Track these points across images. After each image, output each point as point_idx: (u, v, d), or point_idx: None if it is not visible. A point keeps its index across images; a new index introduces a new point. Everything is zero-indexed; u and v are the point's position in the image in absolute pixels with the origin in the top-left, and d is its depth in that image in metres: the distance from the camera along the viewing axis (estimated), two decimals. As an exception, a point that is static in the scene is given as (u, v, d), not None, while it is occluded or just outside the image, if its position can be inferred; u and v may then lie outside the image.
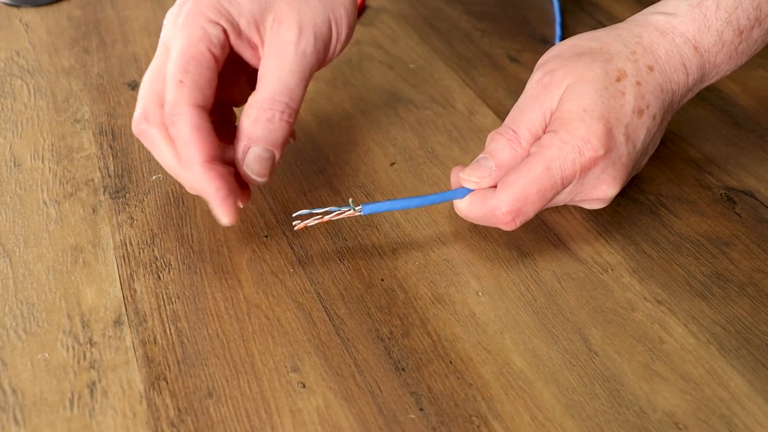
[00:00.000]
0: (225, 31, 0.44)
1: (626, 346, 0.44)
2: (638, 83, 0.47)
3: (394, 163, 0.56)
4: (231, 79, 0.49)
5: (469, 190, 0.48)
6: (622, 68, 0.47)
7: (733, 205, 0.54)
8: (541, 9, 0.78)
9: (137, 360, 0.43)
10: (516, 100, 0.60)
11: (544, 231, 0.51)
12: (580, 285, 0.48)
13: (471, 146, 0.58)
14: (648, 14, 0.50)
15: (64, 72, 0.66)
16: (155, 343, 0.43)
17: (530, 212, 0.46)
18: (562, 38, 0.71)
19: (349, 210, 0.47)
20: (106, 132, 0.59)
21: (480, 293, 0.47)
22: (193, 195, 0.53)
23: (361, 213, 0.47)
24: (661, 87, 0.47)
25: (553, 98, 0.47)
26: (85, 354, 0.43)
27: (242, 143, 0.45)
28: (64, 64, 0.67)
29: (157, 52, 0.46)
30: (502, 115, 0.61)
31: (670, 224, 0.52)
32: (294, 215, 0.48)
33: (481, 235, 0.51)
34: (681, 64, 0.48)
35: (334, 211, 0.47)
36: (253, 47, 0.46)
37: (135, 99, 0.62)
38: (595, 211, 0.52)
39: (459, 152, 0.58)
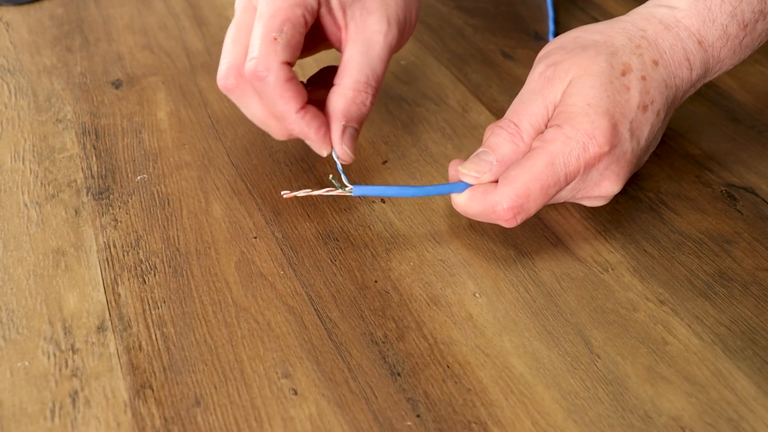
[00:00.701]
0: (319, 1, 0.46)
1: (629, 347, 0.43)
2: (643, 78, 0.45)
3: (386, 161, 0.55)
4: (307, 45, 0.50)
5: (468, 185, 0.46)
6: (627, 62, 0.45)
7: (734, 202, 0.52)
8: (534, 5, 0.76)
9: (121, 367, 0.41)
10: (510, 97, 0.59)
11: (542, 230, 0.50)
12: (580, 285, 0.46)
13: (465, 143, 0.57)
14: (651, 7, 0.48)
15: (45, 71, 0.64)
16: (140, 350, 0.42)
17: (532, 209, 0.44)
18: (556, 34, 0.70)
19: (340, 189, 0.46)
20: (89, 132, 0.57)
21: (477, 294, 0.45)
22: (179, 196, 0.51)
23: (352, 194, 0.46)
24: (665, 82, 0.46)
25: (557, 91, 0.46)
26: (67, 361, 0.41)
27: (339, 122, 0.47)
28: (45, 63, 0.65)
29: (240, 9, 0.48)
30: (495, 111, 0.60)
31: (671, 222, 0.51)
32: (283, 192, 0.47)
33: (477, 233, 0.49)
34: (685, 58, 0.46)
35: (323, 190, 0.47)
36: (337, 27, 0.48)
37: (118, 98, 0.60)
38: (594, 208, 0.51)
39: (453, 150, 0.56)
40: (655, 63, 0.46)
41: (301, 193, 0.46)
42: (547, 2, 0.76)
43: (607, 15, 0.74)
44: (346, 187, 0.46)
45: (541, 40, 0.70)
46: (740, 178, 0.54)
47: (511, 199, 0.44)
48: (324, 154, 0.48)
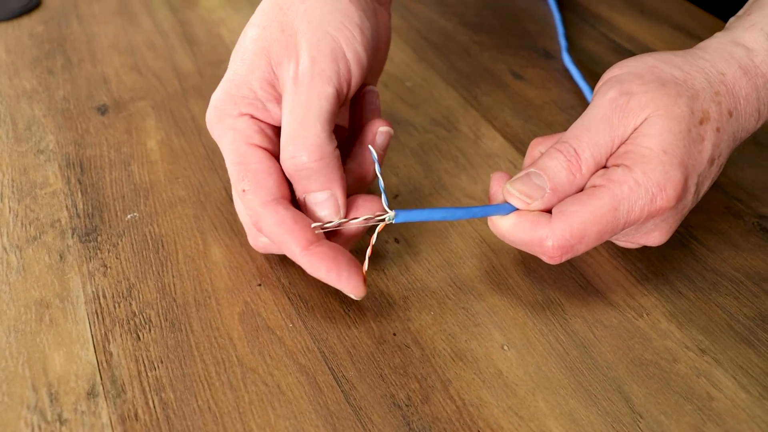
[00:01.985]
0: (251, 116, 0.42)
1: (672, 404, 0.39)
2: (718, 130, 0.42)
3: (397, 196, 0.51)
4: None
5: (513, 207, 0.42)
6: (707, 110, 0.42)
7: (767, 236, 0.49)
8: (542, 20, 0.73)
9: (115, 439, 0.37)
10: (524, 122, 0.55)
11: (570, 271, 0.46)
12: (615, 333, 0.42)
13: (480, 174, 0.53)
14: (728, 44, 0.44)
15: (25, 95, 0.60)
16: (136, 419, 0.37)
17: (581, 251, 0.41)
18: (568, 51, 0.66)
19: (380, 217, 0.40)
20: (73, 164, 0.53)
21: (505, 347, 0.41)
22: (174, 237, 0.47)
23: (393, 221, 0.40)
24: (734, 135, 0.43)
25: (628, 126, 0.41)
26: (53, 433, 0.37)
27: (300, 197, 0.43)
28: (25, 86, 0.61)
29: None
30: (510, 138, 0.56)
31: (704, 259, 0.47)
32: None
33: (500, 276, 0.45)
34: (756, 110, 0.43)
35: (361, 219, 0.41)
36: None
37: (105, 125, 0.56)
38: (623, 247, 0.47)
39: (468, 181, 0.52)
40: (730, 114, 0.42)
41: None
42: (555, 18, 0.72)
43: (616, 30, 0.71)
44: (387, 213, 0.40)
45: (551, 58, 0.67)
46: (771, 208, 0.51)
47: (564, 238, 0.40)
48: (354, 297, 0.41)
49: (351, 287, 0.40)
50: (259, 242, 0.44)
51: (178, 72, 0.63)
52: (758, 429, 0.38)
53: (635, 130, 0.41)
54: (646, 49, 0.68)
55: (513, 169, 0.53)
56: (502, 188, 0.43)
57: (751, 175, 0.54)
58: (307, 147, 0.40)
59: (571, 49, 0.68)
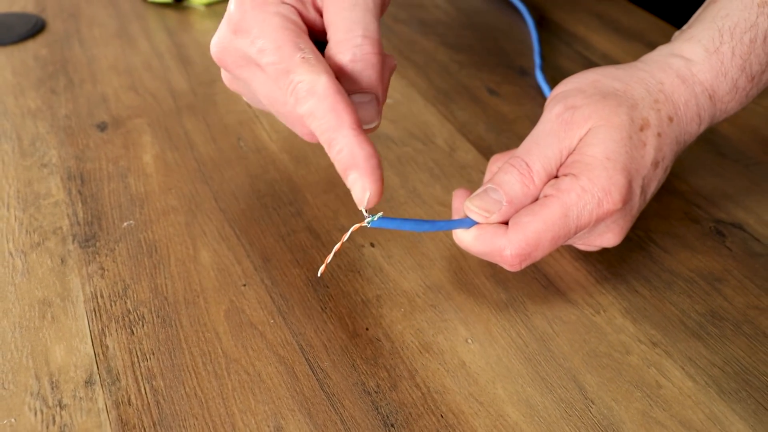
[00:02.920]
0: (294, 8, 0.40)
1: (623, 392, 0.42)
2: (659, 135, 0.45)
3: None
4: None
5: (474, 221, 0.45)
6: (646, 117, 0.45)
7: (723, 239, 0.53)
8: (518, 39, 0.77)
9: (110, 423, 0.40)
10: (497, 135, 0.59)
11: (533, 272, 0.49)
12: (573, 328, 0.46)
13: (453, 183, 0.56)
14: (667, 56, 0.48)
15: (30, 114, 0.64)
16: (129, 404, 0.41)
17: (538, 257, 0.44)
18: (542, 68, 0.70)
19: (355, 226, 0.42)
20: (74, 177, 0.56)
21: (469, 340, 0.45)
22: (166, 242, 0.51)
23: (369, 224, 0.41)
24: (676, 139, 0.46)
25: (573, 137, 0.45)
26: (54, 418, 0.40)
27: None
28: (30, 105, 0.65)
29: (248, 81, 0.42)
30: (483, 150, 0.60)
31: (661, 261, 0.51)
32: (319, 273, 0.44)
33: (467, 277, 0.49)
34: (697, 114, 0.47)
35: (342, 236, 0.42)
36: (320, 12, 0.41)
37: (104, 141, 0.60)
38: (584, 251, 0.51)
39: (441, 190, 0.56)
40: (671, 119, 0.46)
41: (329, 259, 0.42)
42: (532, 37, 0.76)
43: (591, 48, 0.75)
44: (366, 219, 0.41)
45: (526, 75, 0.70)
46: (728, 214, 0.54)
47: (520, 247, 0.43)
48: (364, 198, 0.38)
49: (373, 185, 0.38)
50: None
51: (173, 91, 0.67)
52: (702, 414, 0.41)
53: (581, 140, 0.45)
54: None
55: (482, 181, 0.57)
56: (463, 205, 0.46)
57: (711, 183, 0.58)
58: (368, 35, 0.39)
59: (547, 67, 0.71)
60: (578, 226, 0.44)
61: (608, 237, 0.46)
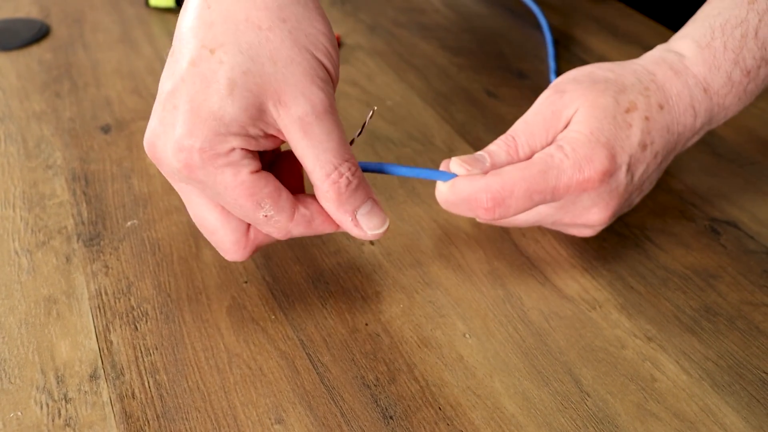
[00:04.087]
0: (245, 150, 0.39)
1: (618, 385, 0.43)
2: (647, 118, 0.46)
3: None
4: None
5: (455, 175, 0.46)
6: (633, 101, 0.46)
7: (717, 237, 0.53)
8: (517, 43, 0.77)
9: (115, 416, 0.41)
10: (495, 135, 0.59)
11: (529, 268, 0.50)
12: (569, 323, 0.47)
13: (452, 183, 0.57)
14: (662, 51, 0.50)
15: (35, 117, 0.65)
16: (133, 398, 0.42)
17: (511, 209, 0.45)
18: (556, 72, 0.71)
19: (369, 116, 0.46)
20: (78, 178, 0.57)
21: (467, 335, 0.46)
22: (170, 241, 0.51)
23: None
24: (668, 128, 0.47)
25: (560, 119, 0.47)
26: (59, 411, 0.41)
27: (347, 219, 0.42)
28: (35, 108, 0.66)
29: (186, 199, 0.43)
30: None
31: (656, 258, 0.51)
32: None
33: (465, 274, 0.50)
34: (690, 106, 0.47)
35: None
36: (273, 138, 0.41)
37: (108, 143, 0.61)
38: (580, 246, 0.52)
39: (440, 190, 0.57)
40: (661, 107, 0.47)
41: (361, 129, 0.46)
42: (547, 41, 0.77)
43: (588, 52, 0.75)
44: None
45: (524, 78, 0.71)
46: (723, 212, 0.55)
47: (495, 191, 0.44)
48: (383, 227, 0.43)
49: (379, 220, 0.42)
50: (245, 256, 0.44)
51: (176, 94, 0.68)
52: (695, 406, 0.42)
53: (568, 121, 0.46)
54: (613, 68, 0.73)
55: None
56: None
57: (707, 182, 0.59)
58: (350, 167, 0.41)
59: (545, 69, 0.72)
60: (556, 186, 0.45)
61: (594, 212, 0.47)
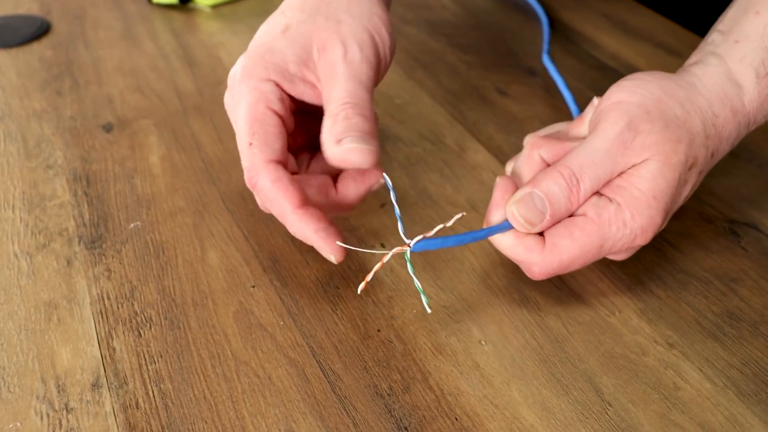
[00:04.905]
0: (277, 84, 0.46)
1: (640, 394, 0.41)
2: (700, 173, 0.46)
3: (384, 205, 0.54)
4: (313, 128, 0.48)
5: (511, 225, 0.44)
6: (696, 156, 0.45)
7: (737, 239, 0.52)
8: (527, 40, 0.76)
9: (118, 427, 0.39)
10: (507, 135, 0.58)
11: (546, 272, 0.49)
12: (588, 329, 0.45)
13: (464, 184, 0.56)
14: (724, 81, 0.47)
15: (35, 115, 0.63)
16: (137, 408, 0.40)
17: (562, 274, 0.46)
18: (549, 53, 0.69)
19: (395, 249, 0.42)
20: (80, 178, 0.56)
21: (483, 342, 0.44)
22: (174, 243, 0.50)
23: (411, 251, 0.42)
24: (709, 168, 0.47)
25: (629, 162, 0.44)
26: (60, 422, 0.39)
27: (330, 143, 0.43)
28: (35, 107, 0.64)
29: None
30: (493, 150, 0.59)
31: (675, 261, 0.50)
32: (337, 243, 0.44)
33: (479, 278, 0.48)
34: (730, 145, 0.48)
35: (383, 254, 0.43)
36: (312, 86, 0.47)
37: (110, 142, 0.59)
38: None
39: (452, 190, 0.55)
40: (712, 155, 0.46)
41: (369, 276, 0.43)
42: (542, 20, 0.75)
43: (599, 49, 0.74)
44: (405, 244, 0.42)
45: (535, 76, 0.70)
46: (742, 214, 0.54)
47: (551, 268, 0.44)
48: (332, 259, 0.44)
49: (330, 248, 0.44)
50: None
51: (179, 92, 0.67)
52: (721, 416, 0.41)
53: (634, 166, 0.44)
54: (627, 66, 0.71)
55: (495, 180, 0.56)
56: (504, 202, 0.45)
57: (725, 183, 0.57)
58: (360, 104, 0.44)
59: (556, 66, 0.71)
60: (608, 254, 0.45)
61: (621, 256, 0.47)
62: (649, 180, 0.44)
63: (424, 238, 0.42)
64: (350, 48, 0.46)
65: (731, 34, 0.48)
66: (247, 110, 0.45)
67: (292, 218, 0.44)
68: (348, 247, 0.44)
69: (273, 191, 0.43)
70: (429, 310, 0.43)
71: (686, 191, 0.46)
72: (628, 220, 0.43)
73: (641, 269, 0.49)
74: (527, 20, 0.80)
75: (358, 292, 0.44)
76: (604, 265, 0.49)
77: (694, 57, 0.49)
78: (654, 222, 0.44)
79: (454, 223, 0.43)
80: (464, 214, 0.44)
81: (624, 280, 0.48)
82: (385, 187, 0.46)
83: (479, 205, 0.54)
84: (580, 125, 0.48)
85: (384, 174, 0.45)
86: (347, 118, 0.44)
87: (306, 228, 0.44)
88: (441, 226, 0.43)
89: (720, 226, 0.53)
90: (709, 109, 0.46)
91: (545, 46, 0.72)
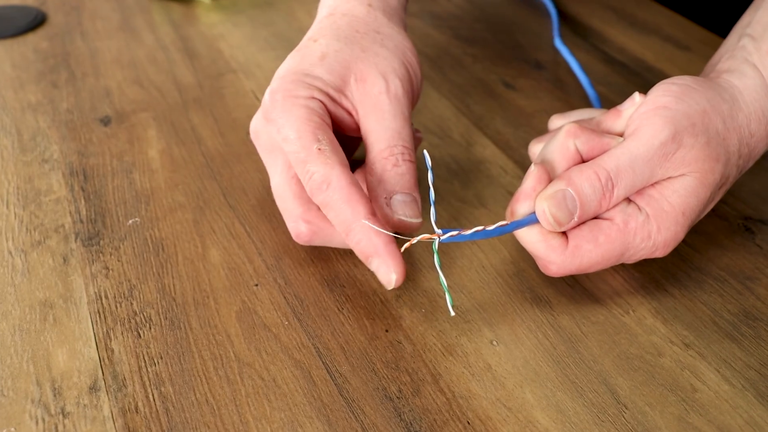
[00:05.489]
0: (323, 103, 0.45)
1: (657, 396, 0.40)
2: (726, 191, 0.47)
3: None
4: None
5: (536, 218, 0.43)
6: (728, 176, 0.45)
7: (752, 236, 0.50)
8: (533, 32, 0.74)
9: None
10: (515, 129, 0.57)
11: (558, 270, 0.47)
12: (602, 329, 0.44)
13: (471, 179, 0.54)
14: (764, 97, 0.45)
15: (30, 108, 0.61)
16: (137, 412, 0.39)
17: (576, 273, 0.45)
18: (560, 34, 0.68)
19: (430, 237, 0.41)
20: (77, 172, 0.54)
21: (494, 342, 0.43)
22: (174, 240, 0.48)
23: (440, 241, 0.41)
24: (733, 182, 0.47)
25: (666, 174, 0.43)
26: (56, 426, 0.38)
27: (381, 198, 0.44)
28: (30, 99, 0.62)
29: (270, 167, 0.48)
30: (501, 144, 0.58)
31: (690, 259, 0.49)
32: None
33: (490, 276, 0.47)
34: (758, 158, 0.47)
35: (407, 240, 0.41)
36: (349, 113, 0.47)
37: (107, 136, 0.58)
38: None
39: (459, 186, 0.54)
40: (741, 172, 0.46)
41: (414, 240, 0.41)
42: (550, 10, 0.74)
43: (607, 42, 0.73)
44: (435, 233, 0.41)
45: (542, 69, 0.68)
46: (756, 210, 0.52)
47: (569, 270, 0.43)
48: (392, 279, 0.42)
49: (397, 266, 0.42)
50: (303, 230, 0.46)
51: (179, 85, 0.65)
52: (740, 419, 0.39)
53: (669, 178, 0.43)
54: (635, 59, 0.70)
55: (503, 175, 0.55)
56: (535, 194, 0.43)
57: (739, 180, 0.55)
58: (407, 146, 0.46)
59: (562, 61, 0.69)
60: (626, 261, 0.45)
61: (633, 260, 0.46)
62: (683, 196, 0.43)
63: (460, 234, 0.41)
64: (392, 83, 0.47)
65: (763, 42, 0.47)
66: (304, 122, 0.44)
67: (363, 226, 0.42)
68: (374, 227, 0.42)
69: (348, 195, 0.42)
70: (453, 313, 0.41)
71: (710, 207, 0.46)
72: (654, 233, 0.43)
73: (655, 267, 0.48)
74: (533, 13, 0.78)
75: (400, 281, 0.42)
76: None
77: (726, 62, 0.48)
78: (678, 237, 0.44)
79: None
80: (506, 222, 0.42)
81: (638, 279, 0.47)
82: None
83: (488, 201, 0.52)
84: (617, 118, 0.46)
85: (425, 152, 0.42)
86: (396, 166, 0.45)
87: (377, 237, 0.42)
88: (481, 228, 0.41)
89: (734, 224, 0.52)
90: (747, 128, 0.45)
91: (555, 32, 0.70)
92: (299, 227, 0.45)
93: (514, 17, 0.78)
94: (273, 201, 0.52)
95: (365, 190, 0.46)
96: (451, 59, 0.70)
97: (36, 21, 0.74)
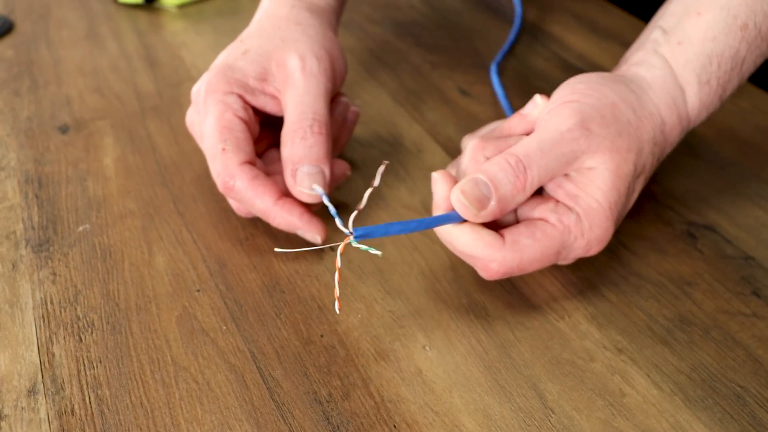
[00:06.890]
0: (240, 96, 0.49)
1: (585, 400, 0.41)
2: (646, 178, 0.47)
3: (338, 207, 0.53)
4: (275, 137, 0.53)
5: (460, 216, 0.42)
6: (644, 164, 0.46)
7: (694, 241, 0.51)
8: (494, 40, 0.75)
9: (51, 434, 0.39)
10: (465, 135, 0.57)
11: (497, 276, 0.48)
12: (536, 335, 0.44)
13: (419, 186, 0.55)
14: (672, 86, 0.47)
15: (-9, 116, 0.62)
16: (72, 414, 0.40)
17: (516, 275, 0.45)
18: (501, 65, 0.69)
19: (340, 246, 0.40)
20: (32, 180, 0.55)
21: (427, 347, 0.44)
22: (122, 247, 0.49)
23: (354, 238, 0.39)
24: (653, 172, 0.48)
25: (580, 164, 0.43)
26: (-7, 429, 0.39)
27: (288, 169, 0.48)
28: (-9, 107, 0.63)
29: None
30: (451, 151, 0.59)
31: (629, 264, 0.49)
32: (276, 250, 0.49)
33: (428, 281, 0.48)
34: (672, 147, 0.48)
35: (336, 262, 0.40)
36: (272, 97, 0.51)
37: (65, 144, 0.59)
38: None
39: (405, 192, 0.55)
40: (658, 161, 0.48)
41: (338, 291, 0.40)
42: (514, 28, 0.75)
43: (567, 49, 0.73)
44: (346, 231, 0.39)
45: (500, 76, 0.69)
46: (701, 216, 0.53)
47: (510, 267, 0.43)
48: (318, 239, 0.48)
49: (318, 229, 0.48)
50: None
51: (139, 93, 0.66)
52: (666, 423, 0.40)
53: (588, 170, 0.44)
54: (594, 65, 0.70)
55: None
56: (449, 192, 0.43)
57: (685, 184, 0.56)
58: (318, 119, 0.48)
59: (520, 67, 0.70)
60: (562, 261, 0.46)
61: (571, 258, 0.47)
62: (603, 191, 0.44)
63: (358, 211, 0.40)
64: (308, 61, 0.50)
65: (673, 34, 0.48)
66: (216, 120, 0.48)
67: (275, 210, 0.47)
68: (287, 251, 0.48)
69: (252, 189, 0.47)
70: (338, 311, 0.41)
71: (633, 199, 0.46)
72: (587, 230, 0.44)
73: (594, 272, 0.49)
74: (495, 20, 0.79)
75: (337, 311, 0.42)
76: (556, 268, 0.49)
77: (636, 53, 0.49)
78: (609, 233, 0.45)
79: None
80: (387, 162, 0.45)
81: (576, 284, 0.48)
82: (336, 187, 0.49)
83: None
84: (521, 123, 0.47)
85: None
86: (304, 138, 0.48)
87: (290, 215, 0.47)
88: (370, 189, 0.41)
89: (678, 229, 0.52)
90: (659, 116, 0.46)
91: (498, 57, 0.70)
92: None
93: (476, 24, 0.78)
94: (221, 208, 0.53)
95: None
96: (410, 67, 0.70)
97: (3, 29, 0.75)
